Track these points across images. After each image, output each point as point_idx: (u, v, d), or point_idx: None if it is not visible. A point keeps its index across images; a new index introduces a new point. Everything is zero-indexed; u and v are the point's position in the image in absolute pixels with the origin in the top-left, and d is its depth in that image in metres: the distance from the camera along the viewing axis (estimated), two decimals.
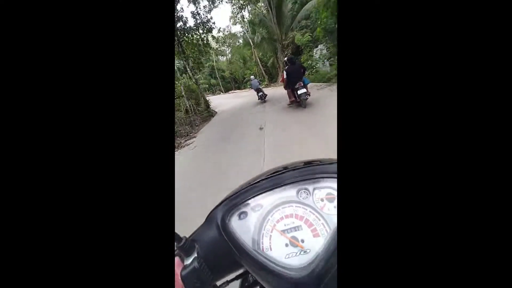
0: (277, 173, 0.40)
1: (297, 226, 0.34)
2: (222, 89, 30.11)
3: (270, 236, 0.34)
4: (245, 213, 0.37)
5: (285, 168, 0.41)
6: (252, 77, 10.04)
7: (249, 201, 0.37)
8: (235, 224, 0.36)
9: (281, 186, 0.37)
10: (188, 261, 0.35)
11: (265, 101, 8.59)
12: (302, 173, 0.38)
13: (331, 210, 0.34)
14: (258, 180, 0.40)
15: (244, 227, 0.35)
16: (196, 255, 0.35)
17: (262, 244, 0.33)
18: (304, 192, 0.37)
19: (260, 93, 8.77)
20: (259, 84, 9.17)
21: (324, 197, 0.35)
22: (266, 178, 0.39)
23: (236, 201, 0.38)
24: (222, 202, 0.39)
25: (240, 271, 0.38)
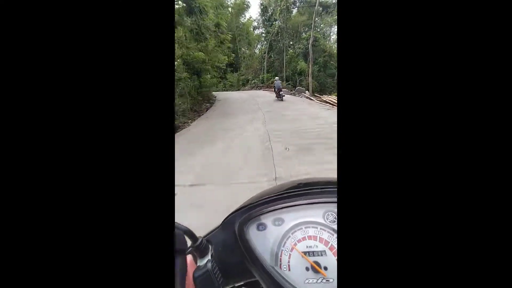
0: (304, 190, 0.38)
1: (321, 251, 0.32)
2: None
3: (290, 255, 0.32)
4: (264, 225, 0.35)
5: (313, 184, 0.39)
6: (277, 78, 12.69)
7: (270, 214, 0.36)
8: (253, 234, 0.35)
9: (307, 204, 0.35)
10: (202, 262, 0.35)
11: (282, 100, 11.04)
12: (331, 194, 0.36)
13: None
14: (282, 192, 0.38)
15: (262, 239, 0.34)
16: (210, 257, 0.35)
17: (280, 261, 0.32)
18: (331, 215, 0.34)
19: (281, 92, 11.08)
20: (281, 84, 11.85)
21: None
22: (291, 192, 0.38)
23: (256, 210, 0.37)
24: (241, 208, 0.39)
25: (250, 280, 0.36)
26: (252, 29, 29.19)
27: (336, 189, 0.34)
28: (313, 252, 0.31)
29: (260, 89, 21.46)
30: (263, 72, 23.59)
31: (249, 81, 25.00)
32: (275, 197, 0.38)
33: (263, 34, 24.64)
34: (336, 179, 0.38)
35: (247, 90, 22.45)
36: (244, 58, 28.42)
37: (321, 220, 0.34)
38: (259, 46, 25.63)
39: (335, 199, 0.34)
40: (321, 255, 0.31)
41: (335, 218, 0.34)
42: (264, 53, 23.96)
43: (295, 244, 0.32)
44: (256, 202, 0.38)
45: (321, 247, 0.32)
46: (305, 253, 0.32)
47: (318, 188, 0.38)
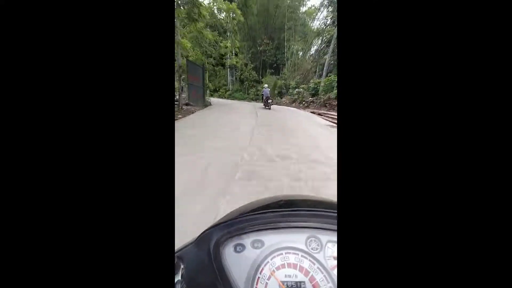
0: (287, 210, 0.36)
1: (300, 281, 0.29)
2: None
3: (266, 283, 0.29)
4: (242, 246, 0.32)
5: (298, 205, 0.37)
6: (265, 85, 11.62)
7: (250, 234, 0.33)
8: (229, 255, 0.32)
9: (290, 228, 0.33)
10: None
11: (270, 108, 10.13)
12: (317, 218, 0.34)
13: None
14: (264, 211, 0.36)
15: (238, 261, 0.31)
16: (180, 277, 0.31)
17: None
18: (315, 241, 0.32)
19: (269, 101, 10.31)
20: (269, 92, 10.78)
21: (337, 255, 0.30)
22: (274, 211, 0.35)
23: (234, 228, 0.34)
24: (219, 223, 0.35)
25: None
26: (312, 20, 20.34)
27: (322, 212, 0.35)
28: (292, 282, 0.29)
29: (307, 107, 11.92)
30: (318, 75, 13.98)
31: (289, 90, 15.64)
32: (256, 215, 0.36)
33: (327, 24, 14.88)
34: (321, 201, 0.38)
35: (276, 106, 13.86)
36: (291, 55, 19.41)
37: (303, 247, 0.32)
38: (319, 41, 16.23)
39: (320, 225, 0.33)
40: (300, 286, 0.29)
41: (318, 245, 0.32)
42: (324, 48, 14.29)
43: (274, 272, 0.30)
44: (236, 218, 0.36)
45: (300, 277, 0.30)
46: (283, 282, 0.29)
47: (302, 210, 0.36)
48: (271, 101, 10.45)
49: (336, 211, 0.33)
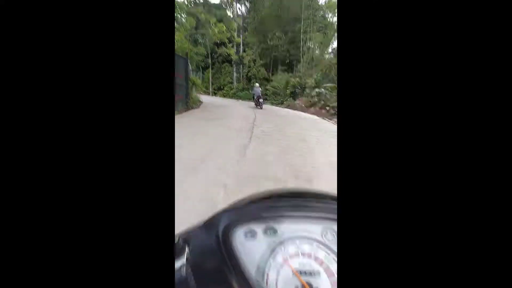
0: (301, 200, 0.35)
1: (315, 271, 0.28)
2: None
3: (279, 271, 0.28)
4: (253, 232, 0.31)
5: (311, 196, 0.36)
6: (257, 84, 11.10)
7: (262, 221, 0.32)
8: (239, 241, 0.31)
9: (304, 217, 0.32)
10: (176, 265, 0.30)
11: (261, 108, 9.72)
12: (332, 211, 0.32)
13: None
14: (278, 199, 0.34)
15: (249, 248, 0.30)
16: (185, 261, 0.30)
17: (267, 276, 0.28)
18: (331, 233, 0.31)
19: (261, 100, 9.94)
20: (260, 91, 10.39)
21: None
22: (287, 201, 0.34)
23: (245, 214, 0.33)
24: (228, 209, 0.35)
25: None
26: (333, 14, 17.16)
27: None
28: (305, 271, 0.28)
29: (334, 115, 8.75)
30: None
31: (305, 90, 12.36)
32: (268, 203, 0.35)
33: None
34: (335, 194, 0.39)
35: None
36: (308, 49, 16.25)
37: (319, 237, 0.31)
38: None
39: (335, 216, 0.31)
40: (315, 275, 0.28)
41: (334, 236, 0.31)
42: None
43: (287, 260, 0.29)
44: (246, 204, 0.35)
45: (316, 266, 0.29)
46: (298, 271, 0.28)
47: (317, 202, 0.35)
48: (262, 100, 10.07)
49: None
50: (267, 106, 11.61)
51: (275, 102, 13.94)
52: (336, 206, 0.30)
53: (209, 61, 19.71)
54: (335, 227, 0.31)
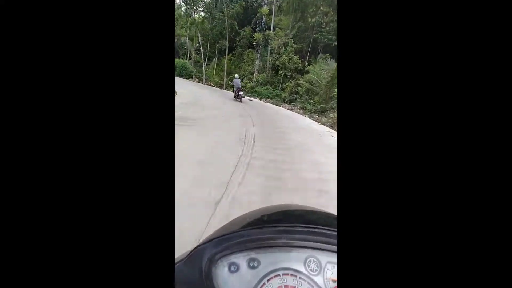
0: (285, 226, 0.34)
1: None
2: None
3: None
4: (236, 265, 0.31)
5: (296, 221, 0.35)
6: (236, 75, 10.64)
7: (245, 252, 0.31)
8: (223, 275, 0.30)
9: (287, 246, 0.32)
10: None
11: (241, 101, 9.06)
12: (316, 237, 0.32)
13: None
14: (260, 226, 0.34)
15: (233, 282, 0.30)
16: None
17: None
18: (314, 262, 0.31)
19: (241, 93, 9.25)
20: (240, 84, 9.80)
21: (336, 278, 0.29)
22: (270, 227, 0.34)
23: (228, 245, 0.32)
24: (211, 238, 0.34)
25: None
26: None
27: (321, 231, 0.33)
28: None
29: None
30: None
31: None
32: (251, 230, 0.34)
33: None
34: (321, 215, 0.37)
35: None
36: None
37: (302, 268, 0.30)
38: None
39: (319, 245, 0.32)
40: None
41: (317, 266, 0.31)
42: None
43: None
44: (230, 234, 0.34)
45: None
46: None
47: (301, 227, 0.34)
48: (242, 93, 9.34)
49: (336, 229, 0.32)
50: (298, 116, 7.34)
51: (310, 108, 8.63)
52: (320, 230, 0.31)
53: (226, 43, 14.98)
54: (318, 255, 0.31)
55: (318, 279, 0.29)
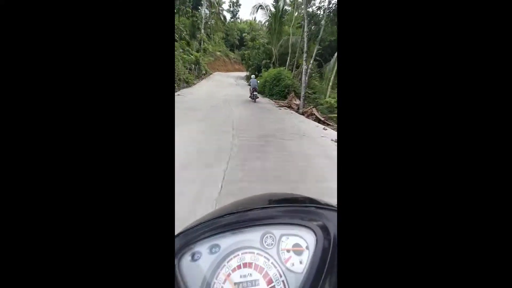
0: (243, 210, 0.36)
1: (254, 280, 0.29)
2: None
3: (222, 287, 0.29)
4: (199, 253, 0.32)
5: (254, 204, 0.37)
6: (253, 76, 10.41)
7: (206, 240, 0.33)
8: (186, 265, 0.31)
9: (245, 227, 0.33)
10: None
11: (255, 101, 9.17)
12: (270, 213, 0.34)
13: (296, 266, 0.29)
14: (220, 215, 0.36)
15: (195, 270, 0.31)
16: None
17: None
18: (270, 237, 0.32)
19: (255, 93, 9.20)
20: (257, 84, 9.70)
21: (291, 248, 0.31)
22: (230, 214, 0.36)
23: (191, 237, 0.34)
24: (177, 234, 0.35)
25: None
26: None
27: (276, 208, 0.36)
28: (246, 282, 0.30)
29: None
30: None
31: None
32: (213, 220, 0.36)
33: None
34: (287, 197, 0.39)
35: None
36: None
37: (258, 245, 0.32)
38: None
39: (273, 220, 0.33)
40: (254, 285, 0.29)
41: (273, 240, 0.32)
42: None
43: (229, 275, 0.30)
44: (191, 227, 0.36)
45: (255, 275, 0.30)
46: (238, 284, 0.29)
47: (257, 209, 0.36)
48: (256, 93, 9.31)
49: (290, 205, 0.35)
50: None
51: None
52: (274, 207, 0.33)
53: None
54: (273, 230, 0.32)
55: (273, 252, 0.30)
